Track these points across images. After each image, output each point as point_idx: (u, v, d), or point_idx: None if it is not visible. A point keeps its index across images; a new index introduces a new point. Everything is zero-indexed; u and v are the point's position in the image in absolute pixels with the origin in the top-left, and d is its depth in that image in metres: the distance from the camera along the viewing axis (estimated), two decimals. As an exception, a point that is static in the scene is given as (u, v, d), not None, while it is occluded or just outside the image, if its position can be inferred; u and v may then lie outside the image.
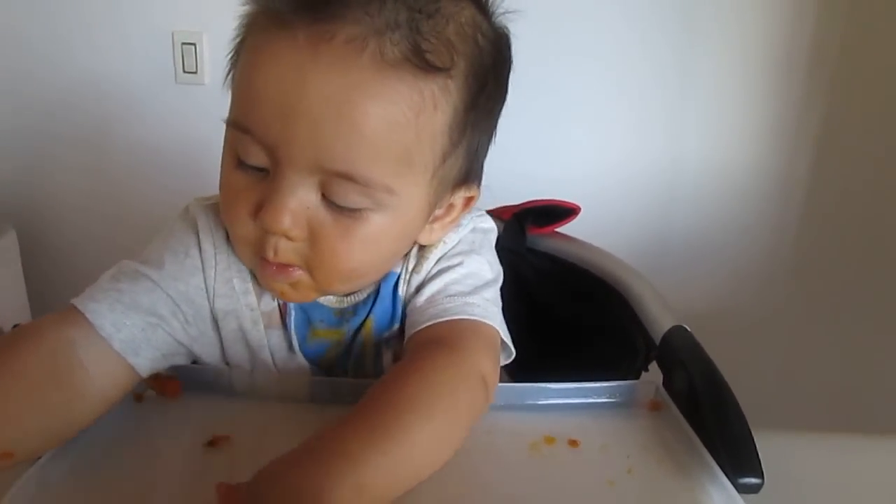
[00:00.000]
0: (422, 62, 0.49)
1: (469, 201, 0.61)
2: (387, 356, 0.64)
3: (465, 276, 0.60)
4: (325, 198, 0.51)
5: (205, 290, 0.59)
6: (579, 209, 0.80)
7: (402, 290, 0.62)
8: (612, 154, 1.79)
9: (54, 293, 2.04)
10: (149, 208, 1.99)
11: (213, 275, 0.59)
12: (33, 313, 1.98)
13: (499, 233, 0.81)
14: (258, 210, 0.52)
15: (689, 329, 0.64)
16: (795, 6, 1.63)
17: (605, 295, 0.74)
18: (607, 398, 0.60)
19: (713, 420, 0.53)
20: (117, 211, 2.02)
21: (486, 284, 0.61)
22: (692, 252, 1.84)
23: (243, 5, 0.52)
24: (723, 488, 0.48)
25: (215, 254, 0.59)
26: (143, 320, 0.54)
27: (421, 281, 0.61)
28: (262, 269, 0.56)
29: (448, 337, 0.55)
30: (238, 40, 0.54)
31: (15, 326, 1.68)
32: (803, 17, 1.63)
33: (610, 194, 1.78)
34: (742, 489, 0.49)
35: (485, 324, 0.57)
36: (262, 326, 0.61)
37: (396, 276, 0.62)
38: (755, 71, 1.69)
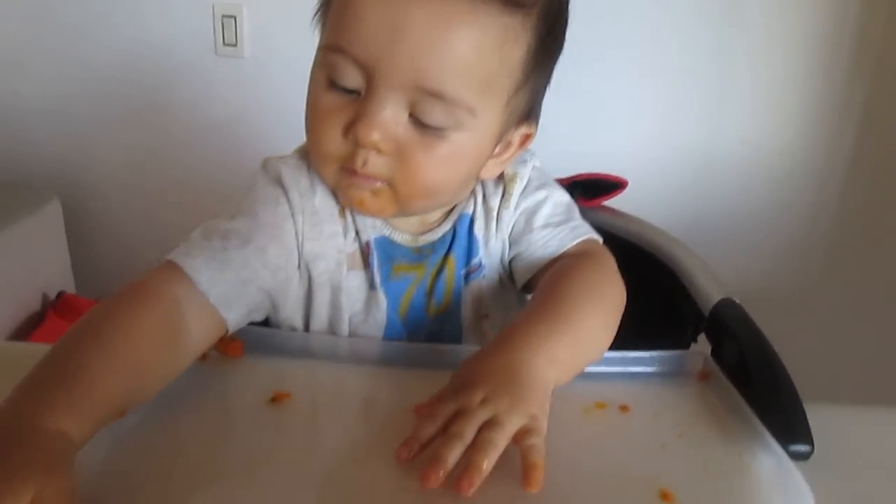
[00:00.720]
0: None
1: (526, 139, 0.66)
2: (466, 296, 0.68)
3: (557, 206, 0.69)
4: (413, 116, 0.56)
5: (295, 234, 0.62)
6: (627, 183, 0.81)
7: (478, 230, 0.68)
8: (649, 130, 1.79)
9: (97, 260, 2.09)
10: (189, 177, 2.03)
11: (301, 220, 0.63)
12: (76, 280, 2.02)
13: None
14: (348, 128, 0.56)
15: (738, 301, 0.64)
16: None
17: (652, 268, 0.75)
18: (657, 368, 0.62)
19: (764, 389, 0.54)
20: (158, 180, 2.06)
21: (571, 206, 0.71)
22: (729, 229, 1.83)
23: None
24: (773, 454, 0.49)
25: (302, 201, 0.63)
26: (236, 277, 0.56)
27: (514, 215, 0.69)
28: (347, 179, 0.59)
29: (583, 253, 0.66)
30: None
31: (60, 294, 1.72)
32: (847, 3, 1.61)
33: (647, 170, 1.77)
34: (792, 456, 0.50)
35: (593, 238, 0.68)
36: (345, 268, 0.64)
37: (469, 217, 0.68)
38: (797, 48, 1.68)
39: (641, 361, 0.62)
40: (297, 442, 0.51)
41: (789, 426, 0.51)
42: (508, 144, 0.65)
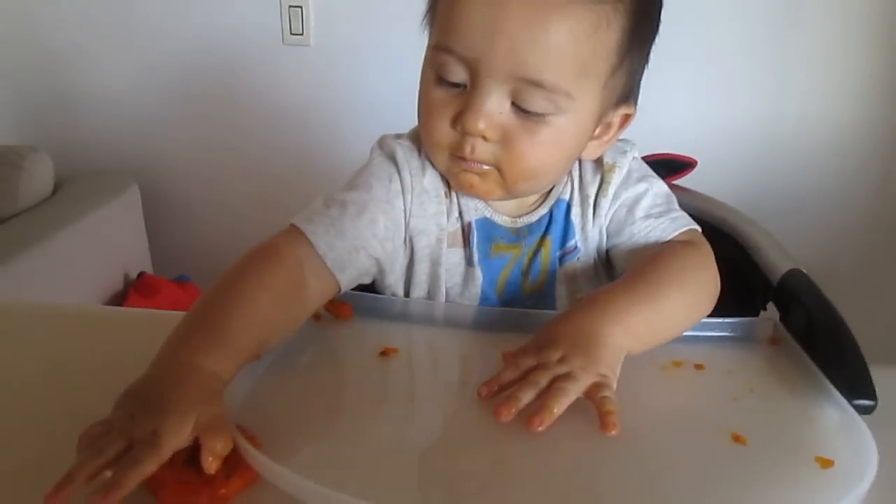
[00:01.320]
0: None
1: (626, 119, 0.70)
2: (560, 277, 0.73)
3: (657, 197, 0.72)
4: (515, 105, 0.61)
5: (403, 210, 0.69)
6: (696, 162, 0.86)
7: (574, 215, 0.73)
8: (713, 105, 1.82)
9: (173, 244, 2.19)
10: (260, 164, 2.11)
11: (410, 198, 0.69)
12: (153, 261, 2.13)
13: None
14: (456, 119, 0.62)
15: (805, 271, 0.69)
16: None
17: (722, 242, 0.79)
18: (730, 332, 0.67)
19: (831, 349, 0.59)
20: (227, 167, 2.15)
21: (671, 197, 0.74)
22: (792, 203, 1.85)
23: None
24: (839, 407, 0.54)
25: (412, 180, 0.69)
26: (350, 244, 0.63)
27: (613, 205, 0.72)
28: (458, 165, 0.65)
29: (682, 241, 0.69)
30: None
31: (140, 274, 1.82)
32: None
33: (710, 145, 1.80)
34: (857, 410, 0.54)
35: (693, 228, 0.71)
36: (445, 245, 0.71)
37: (566, 202, 0.73)
38: (863, 25, 1.68)
39: (716, 327, 0.67)
40: (403, 386, 0.59)
41: (854, 382, 0.55)
42: (609, 126, 0.69)
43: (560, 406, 0.50)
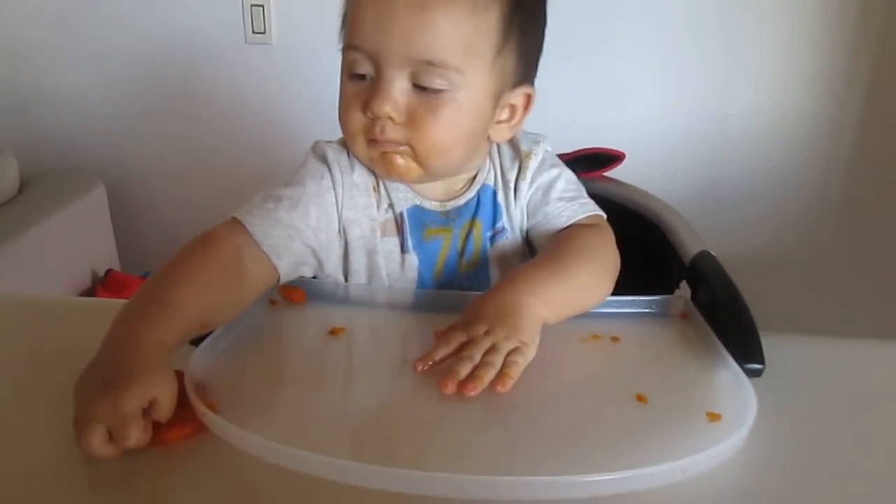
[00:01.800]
0: None
1: (528, 100, 0.77)
2: (493, 255, 0.82)
3: (569, 182, 0.82)
4: (416, 85, 0.69)
5: (335, 203, 0.76)
6: (624, 155, 0.93)
7: (500, 198, 0.81)
8: (659, 101, 1.87)
9: (139, 241, 2.22)
10: (224, 161, 2.15)
11: (340, 192, 0.76)
12: (121, 258, 2.16)
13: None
14: (366, 106, 0.70)
15: (713, 253, 0.76)
16: None
17: (644, 228, 0.88)
18: (645, 308, 0.75)
19: (726, 318, 0.67)
20: (192, 164, 2.17)
21: (580, 185, 0.83)
22: (740, 196, 1.91)
23: None
24: (732, 371, 0.61)
25: (342, 177, 0.77)
26: (284, 232, 0.71)
27: (530, 188, 0.81)
28: (374, 149, 0.73)
29: (588, 224, 0.79)
30: None
31: (108, 272, 1.85)
32: None
33: (658, 139, 1.87)
34: (747, 373, 0.61)
35: (599, 213, 0.80)
36: (379, 234, 0.78)
37: (491, 187, 0.81)
38: (804, 16, 1.74)
39: (633, 304, 0.74)
40: (349, 360, 0.66)
41: (745, 347, 0.63)
42: (513, 109, 0.77)
43: (489, 376, 0.58)
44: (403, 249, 0.79)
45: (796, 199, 1.91)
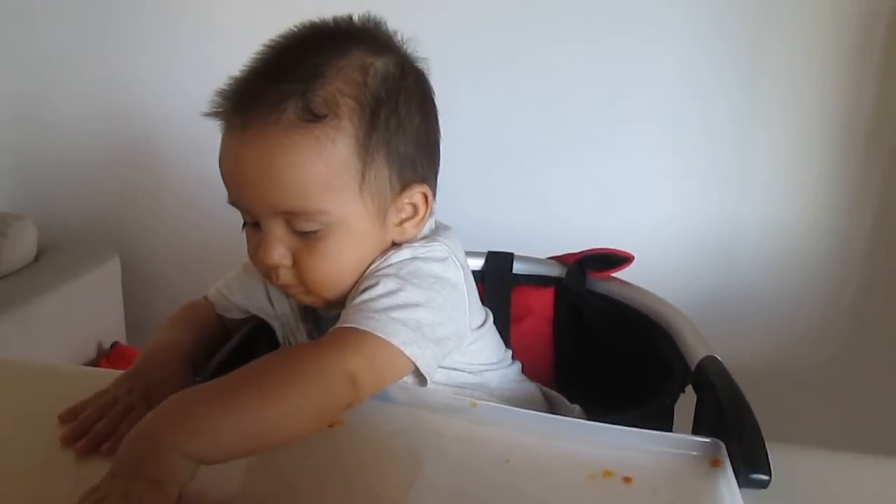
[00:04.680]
0: (310, 116, 0.66)
1: (425, 197, 0.75)
2: None
3: (378, 296, 0.67)
4: (292, 230, 0.70)
5: (264, 288, 0.86)
6: (633, 257, 0.94)
7: None
8: (669, 207, 1.89)
9: (149, 315, 2.22)
10: (237, 237, 2.16)
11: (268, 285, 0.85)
12: (128, 331, 2.15)
13: (562, 276, 0.96)
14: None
15: (719, 358, 0.76)
16: (856, 71, 1.70)
17: (650, 330, 0.88)
18: (673, 448, 0.64)
19: (732, 425, 0.66)
20: (211, 245, 2.20)
21: (401, 305, 0.67)
22: (748, 305, 1.90)
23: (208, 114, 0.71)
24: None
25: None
26: (226, 298, 0.88)
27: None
28: (277, 288, 0.78)
29: (328, 337, 0.65)
30: None
31: (114, 344, 1.85)
32: (864, 84, 1.71)
33: (667, 245, 1.87)
34: (751, 484, 0.60)
35: (374, 335, 0.64)
36: (295, 318, 0.84)
37: None
38: (815, 132, 1.77)
39: (658, 440, 0.65)
40: None
41: (751, 457, 0.62)
42: (414, 207, 0.75)
43: None
44: (311, 336, 0.82)
45: (806, 310, 1.89)
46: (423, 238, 0.77)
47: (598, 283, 0.96)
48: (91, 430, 0.64)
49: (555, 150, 1.90)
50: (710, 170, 1.85)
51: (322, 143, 0.67)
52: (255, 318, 0.87)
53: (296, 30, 0.73)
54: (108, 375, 0.74)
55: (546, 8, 1.81)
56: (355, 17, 0.74)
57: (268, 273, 0.73)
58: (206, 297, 0.91)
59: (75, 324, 1.96)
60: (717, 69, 1.77)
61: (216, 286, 0.90)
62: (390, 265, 0.72)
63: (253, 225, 0.72)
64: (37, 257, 1.96)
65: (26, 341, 1.73)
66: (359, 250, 0.73)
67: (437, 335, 0.69)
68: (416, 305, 0.68)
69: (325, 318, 0.81)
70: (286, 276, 0.72)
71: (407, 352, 0.65)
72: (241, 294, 0.87)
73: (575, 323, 0.96)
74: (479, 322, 0.82)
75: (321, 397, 0.59)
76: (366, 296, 0.68)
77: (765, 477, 0.61)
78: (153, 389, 0.70)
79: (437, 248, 0.75)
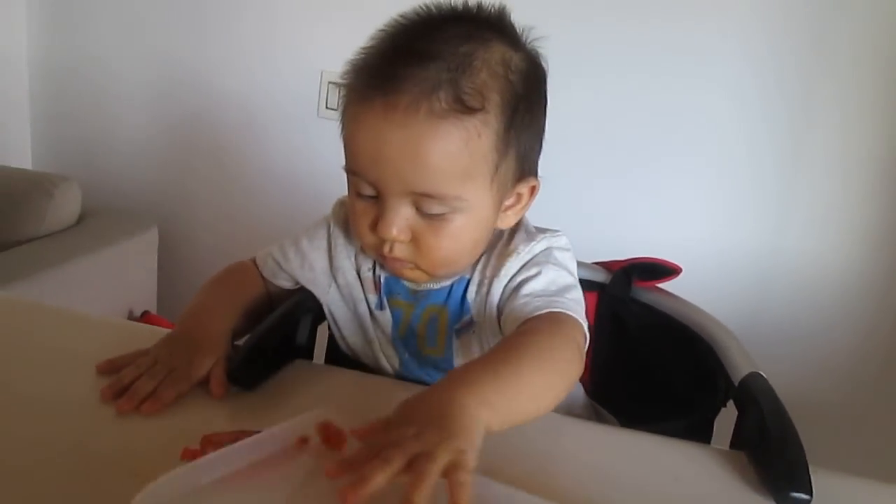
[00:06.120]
0: (462, 108, 0.67)
1: (533, 190, 0.79)
2: (458, 348, 0.82)
3: (548, 283, 0.76)
4: (418, 210, 0.71)
5: (328, 251, 0.87)
6: (680, 269, 0.93)
7: (470, 294, 0.80)
8: (710, 231, 1.89)
9: (181, 287, 2.24)
10: (277, 227, 2.19)
11: (334, 252, 0.86)
12: (159, 302, 2.18)
13: (606, 283, 0.95)
14: (375, 224, 0.73)
15: (764, 375, 0.75)
16: None
17: (694, 342, 0.87)
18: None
19: (775, 443, 0.65)
20: (247, 225, 2.23)
21: (567, 288, 0.76)
22: (783, 332, 1.89)
23: (340, 84, 0.73)
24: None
25: (338, 235, 0.86)
26: (276, 264, 0.88)
27: (504, 288, 0.78)
28: (385, 262, 0.77)
29: (548, 319, 0.71)
30: (342, 108, 0.74)
31: (144, 313, 1.87)
32: None
33: (707, 265, 1.87)
34: (792, 502, 0.60)
35: (570, 314, 0.72)
36: (360, 288, 0.85)
37: (467, 281, 0.81)
38: (860, 169, 1.76)
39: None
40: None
41: (792, 475, 0.61)
42: (519, 196, 0.78)
43: (421, 495, 0.45)
44: (381, 307, 0.84)
45: (841, 341, 1.89)
46: (534, 229, 0.82)
47: (643, 292, 0.95)
48: (131, 387, 0.67)
49: (604, 172, 1.92)
50: (753, 201, 1.86)
51: (470, 134, 0.68)
52: (301, 289, 0.87)
53: (432, 9, 0.73)
54: (150, 332, 0.76)
55: (611, 40, 1.83)
56: (485, 4, 0.74)
57: (379, 245, 0.74)
58: (253, 261, 0.91)
59: (109, 289, 1.99)
60: (766, 106, 1.78)
61: (266, 251, 0.90)
62: (537, 255, 0.79)
63: (370, 197, 0.72)
64: (79, 220, 1.98)
65: (60, 301, 1.75)
66: (477, 234, 0.76)
67: (583, 312, 0.76)
68: (574, 286, 0.78)
69: (409, 289, 0.82)
70: (401, 250, 0.73)
71: (582, 324, 0.73)
72: (297, 262, 0.87)
73: (616, 329, 0.95)
74: None
75: (574, 367, 0.68)
76: (536, 284, 0.75)
77: (806, 497, 0.61)
78: (192, 355, 0.72)
79: (562, 239, 0.82)
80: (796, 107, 1.76)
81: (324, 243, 0.87)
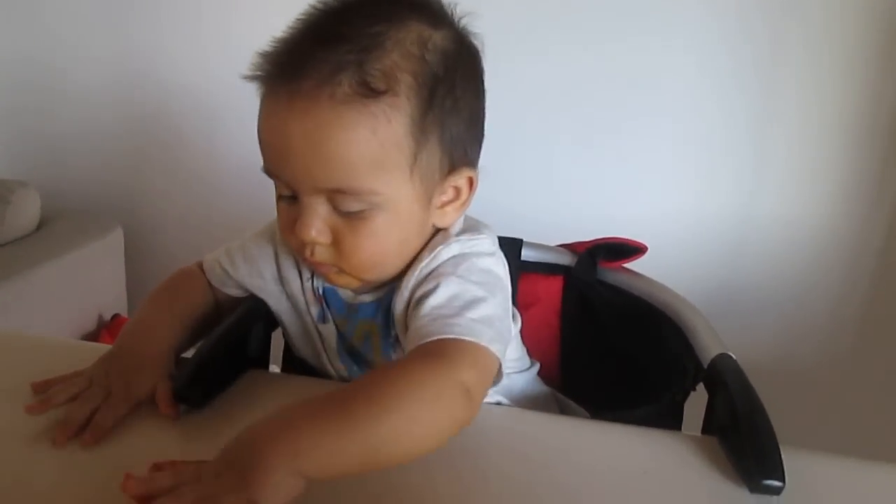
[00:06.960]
0: (367, 91, 0.61)
1: (471, 182, 0.72)
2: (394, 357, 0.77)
3: (448, 299, 0.65)
4: (336, 208, 0.66)
5: (275, 265, 0.82)
6: (646, 248, 0.90)
7: (396, 307, 0.72)
8: (681, 198, 1.87)
9: (150, 287, 2.20)
10: (241, 214, 2.14)
11: (280, 260, 0.81)
12: (130, 304, 2.14)
13: (572, 264, 0.93)
14: (294, 227, 0.67)
15: (733, 356, 0.73)
16: (877, 73, 1.68)
17: (662, 323, 0.85)
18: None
19: (745, 429, 0.63)
20: (215, 222, 2.19)
21: (470, 304, 0.65)
22: (757, 301, 1.88)
23: (250, 76, 0.66)
24: None
25: (281, 248, 0.81)
26: (225, 272, 0.83)
27: (405, 302, 0.70)
28: (308, 265, 0.74)
29: (430, 352, 0.61)
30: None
31: (114, 316, 1.84)
32: (887, 81, 1.68)
33: (678, 237, 1.85)
34: (765, 490, 0.58)
35: (466, 340, 0.61)
36: (304, 300, 0.80)
37: (394, 292, 0.73)
38: (834, 130, 1.75)
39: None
40: None
41: (765, 462, 0.59)
42: (458, 191, 0.72)
43: None
44: (323, 319, 0.79)
45: (814, 309, 1.89)
46: (467, 230, 0.74)
47: (609, 273, 0.93)
48: (59, 406, 0.65)
49: (569, 139, 1.88)
50: (724, 166, 1.84)
51: (378, 120, 0.62)
52: (250, 297, 0.82)
53: None
54: (92, 350, 0.73)
55: (569, 3, 1.78)
56: None
57: (301, 248, 0.69)
58: (200, 266, 0.85)
59: (76, 294, 1.95)
60: (736, 66, 1.75)
61: (213, 256, 0.85)
62: (442, 263, 0.70)
63: (289, 198, 0.68)
64: (39, 226, 1.94)
65: (26, 310, 1.72)
66: (403, 232, 0.69)
67: (501, 330, 0.66)
68: (483, 301, 0.66)
69: (344, 302, 0.77)
70: (322, 253, 0.68)
71: (493, 349, 0.63)
72: (244, 270, 0.82)
73: (584, 313, 0.93)
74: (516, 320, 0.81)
75: (448, 411, 0.57)
76: (433, 301, 0.65)
77: (779, 484, 0.59)
78: (131, 375, 0.67)
79: (484, 242, 0.73)
80: (764, 69, 1.74)
81: (270, 250, 0.81)
